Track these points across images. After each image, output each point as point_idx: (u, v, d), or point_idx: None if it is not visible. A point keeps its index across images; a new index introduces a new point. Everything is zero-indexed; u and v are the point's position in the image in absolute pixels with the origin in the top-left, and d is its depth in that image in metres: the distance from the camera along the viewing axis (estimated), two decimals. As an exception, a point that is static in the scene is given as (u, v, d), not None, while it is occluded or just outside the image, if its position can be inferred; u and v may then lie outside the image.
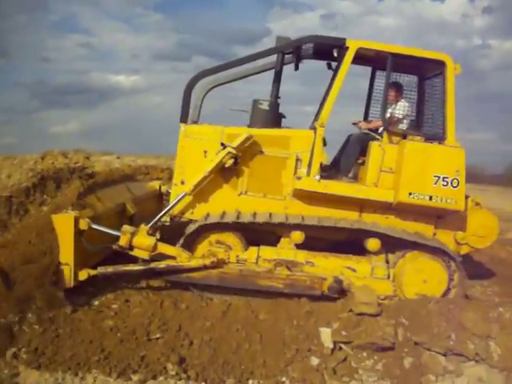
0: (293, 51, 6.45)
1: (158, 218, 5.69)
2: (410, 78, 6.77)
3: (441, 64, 5.94)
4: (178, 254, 5.41)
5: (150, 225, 5.48)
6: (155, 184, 7.87)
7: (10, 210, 6.03)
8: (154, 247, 5.28)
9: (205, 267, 5.40)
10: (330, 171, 6.47)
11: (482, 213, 6.12)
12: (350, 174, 6.44)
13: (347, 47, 5.90)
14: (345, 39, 5.92)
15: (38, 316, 4.47)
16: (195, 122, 6.28)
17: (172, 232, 6.08)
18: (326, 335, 4.79)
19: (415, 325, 4.79)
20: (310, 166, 5.90)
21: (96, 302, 5.16)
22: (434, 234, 6.09)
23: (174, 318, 4.97)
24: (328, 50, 6.17)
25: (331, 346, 4.70)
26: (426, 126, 6.46)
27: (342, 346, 4.74)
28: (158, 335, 4.61)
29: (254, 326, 4.99)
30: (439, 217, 6.07)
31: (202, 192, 5.95)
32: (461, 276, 5.69)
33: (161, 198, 7.75)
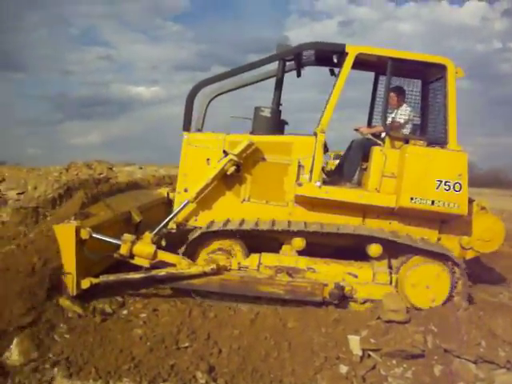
0: (294, 58, 6.48)
1: (161, 225, 5.73)
2: (415, 82, 6.72)
3: (442, 68, 5.88)
4: (178, 262, 5.45)
5: (153, 232, 5.54)
6: (163, 191, 7.88)
7: (37, 220, 6.17)
8: (154, 255, 5.32)
9: (205, 274, 5.44)
10: (333, 177, 6.47)
11: (488, 217, 6.02)
12: (354, 180, 6.41)
13: (347, 53, 5.88)
14: (344, 45, 5.90)
15: (69, 326, 4.58)
16: (199, 130, 6.36)
17: (179, 239, 6.12)
18: (354, 343, 4.77)
19: (445, 332, 4.77)
20: (311, 172, 5.90)
21: (124, 312, 5.21)
22: (439, 239, 6.00)
23: (203, 327, 4.97)
24: (329, 57, 6.14)
25: (360, 353, 4.67)
26: (429, 130, 6.40)
27: (371, 353, 4.71)
28: (186, 344, 4.61)
29: (282, 334, 4.97)
30: (443, 221, 6.00)
31: (205, 199, 6.00)
32: (462, 275, 5.57)
33: (169, 205, 7.77)
